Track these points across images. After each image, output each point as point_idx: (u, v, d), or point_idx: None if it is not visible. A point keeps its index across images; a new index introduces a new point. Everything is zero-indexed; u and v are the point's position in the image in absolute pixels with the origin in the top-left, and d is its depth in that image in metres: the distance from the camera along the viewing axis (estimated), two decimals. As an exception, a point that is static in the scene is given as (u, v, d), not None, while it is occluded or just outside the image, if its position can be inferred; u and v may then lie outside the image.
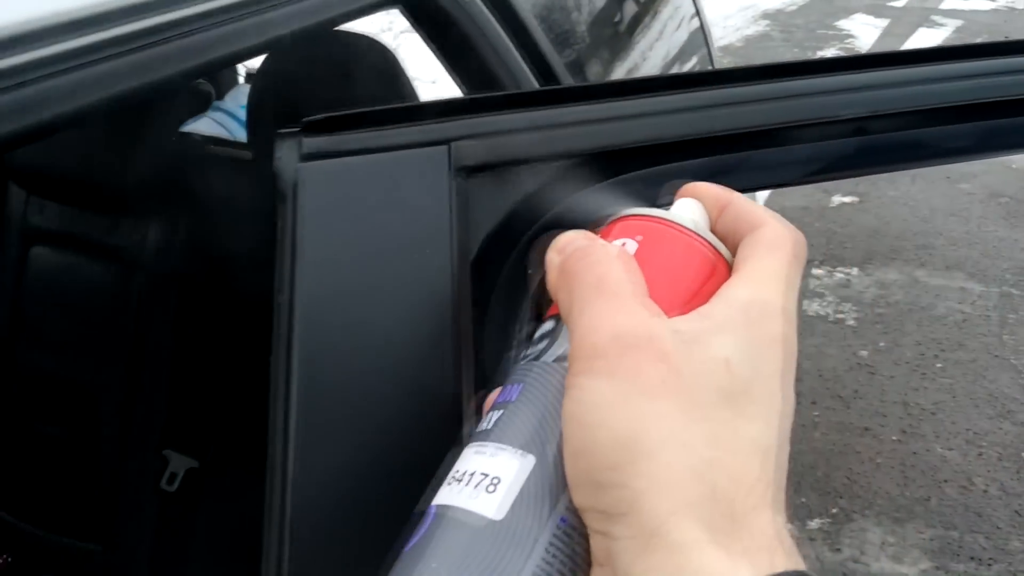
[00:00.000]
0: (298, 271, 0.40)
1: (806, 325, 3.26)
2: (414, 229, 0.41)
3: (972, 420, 2.77)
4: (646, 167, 0.48)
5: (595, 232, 0.40)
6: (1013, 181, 4.41)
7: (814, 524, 2.40)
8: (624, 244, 0.39)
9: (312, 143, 0.43)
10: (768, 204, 3.56)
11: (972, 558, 2.31)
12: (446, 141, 0.44)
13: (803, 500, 2.46)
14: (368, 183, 0.42)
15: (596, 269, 0.37)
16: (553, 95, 0.47)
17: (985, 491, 2.52)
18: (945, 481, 2.55)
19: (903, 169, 0.55)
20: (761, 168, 0.50)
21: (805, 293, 3.47)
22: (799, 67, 0.52)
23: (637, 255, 0.39)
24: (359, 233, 0.41)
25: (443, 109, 0.45)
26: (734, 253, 0.40)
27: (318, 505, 0.38)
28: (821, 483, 2.53)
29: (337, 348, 0.39)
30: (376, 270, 0.41)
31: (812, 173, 0.51)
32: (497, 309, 0.42)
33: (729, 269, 0.40)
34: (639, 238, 0.40)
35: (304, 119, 0.43)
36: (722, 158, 0.49)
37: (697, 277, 0.39)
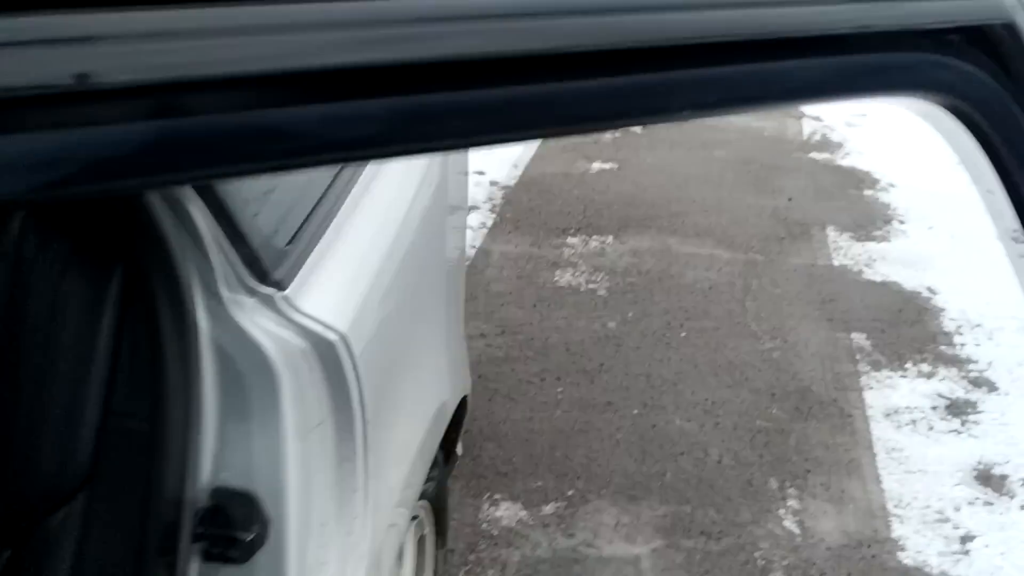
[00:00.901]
0: None
1: (557, 297, 3.18)
2: None
3: (711, 389, 2.77)
4: None
5: None
6: (765, 147, 4.53)
7: (549, 509, 2.30)
8: None
9: None
10: (528, 169, 3.41)
11: (702, 533, 2.28)
12: None
13: (539, 484, 2.36)
14: None
15: None
16: None
17: (719, 462, 2.51)
18: (681, 454, 2.52)
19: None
20: None
21: (559, 263, 3.38)
22: None
23: None
24: None
25: None
26: None
27: None
28: (559, 464, 2.43)
29: None
30: None
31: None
32: None
33: None
34: None
35: None
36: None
37: None
